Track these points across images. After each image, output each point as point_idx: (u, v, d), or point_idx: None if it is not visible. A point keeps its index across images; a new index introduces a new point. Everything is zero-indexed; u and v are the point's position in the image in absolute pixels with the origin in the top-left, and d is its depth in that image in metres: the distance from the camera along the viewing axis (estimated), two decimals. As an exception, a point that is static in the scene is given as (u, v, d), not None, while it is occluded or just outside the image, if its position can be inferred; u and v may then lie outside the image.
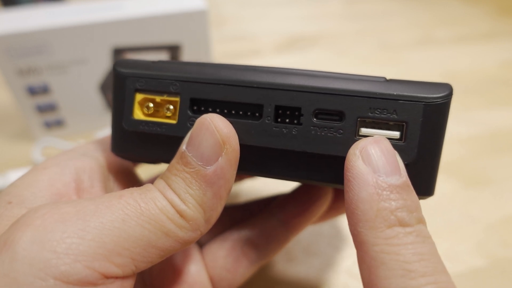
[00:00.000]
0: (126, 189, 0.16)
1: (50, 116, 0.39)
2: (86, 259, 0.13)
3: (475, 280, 0.27)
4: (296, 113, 0.17)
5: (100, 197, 0.15)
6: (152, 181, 0.25)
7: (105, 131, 0.40)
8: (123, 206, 0.14)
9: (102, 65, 0.37)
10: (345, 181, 0.15)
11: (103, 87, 0.39)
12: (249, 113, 0.17)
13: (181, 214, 0.15)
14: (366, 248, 0.14)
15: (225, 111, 0.17)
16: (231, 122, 0.16)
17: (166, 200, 0.15)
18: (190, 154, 0.15)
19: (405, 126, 0.16)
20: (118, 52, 0.37)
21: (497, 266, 0.28)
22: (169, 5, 0.37)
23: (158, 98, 0.18)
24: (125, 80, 0.18)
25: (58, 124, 0.40)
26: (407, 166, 0.16)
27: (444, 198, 0.33)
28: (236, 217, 0.24)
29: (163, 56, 0.39)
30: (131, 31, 0.36)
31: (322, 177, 0.17)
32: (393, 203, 0.14)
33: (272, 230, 0.22)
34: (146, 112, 0.18)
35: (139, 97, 0.18)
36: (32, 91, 0.37)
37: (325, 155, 0.16)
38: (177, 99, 0.17)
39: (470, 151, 0.38)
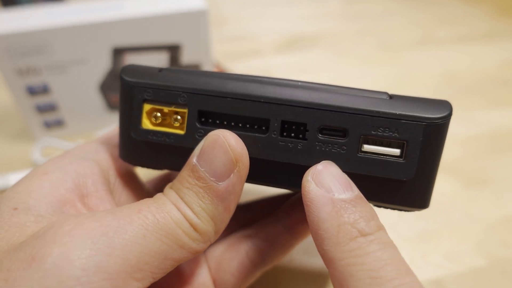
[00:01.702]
0: (142, 202, 0.16)
1: (50, 116, 0.39)
2: (112, 277, 0.14)
3: (475, 280, 0.27)
4: (302, 128, 0.17)
5: (120, 210, 0.15)
6: (154, 183, 0.26)
7: (105, 131, 0.40)
8: (142, 222, 0.15)
9: (102, 65, 0.37)
10: (305, 206, 0.16)
11: (103, 87, 0.39)
12: (256, 127, 0.18)
13: (194, 227, 0.16)
14: (334, 264, 0.14)
15: (232, 123, 0.18)
16: (238, 135, 0.17)
17: (180, 214, 0.16)
18: (202, 169, 0.16)
19: (405, 145, 0.16)
20: (118, 52, 0.37)
21: (497, 266, 0.28)
22: (169, 5, 0.37)
23: (166, 109, 0.18)
24: (132, 90, 0.18)
25: (58, 124, 0.40)
26: (404, 182, 0.16)
27: (445, 198, 0.33)
28: (239, 217, 0.24)
29: (163, 56, 0.39)
30: (131, 31, 0.36)
31: None
32: (351, 216, 0.15)
33: (277, 235, 0.22)
34: (154, 121, 0.18)
35: (147, 107, 0.18)
36: (32, 91, 0.37)
37: None
38: (185, 110, 0.18)
39: (470, 151, 0.38)
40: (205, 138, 0.17)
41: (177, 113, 0.18)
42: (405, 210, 0.18)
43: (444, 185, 0.34)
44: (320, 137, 0.17)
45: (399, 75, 0.52)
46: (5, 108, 0.45)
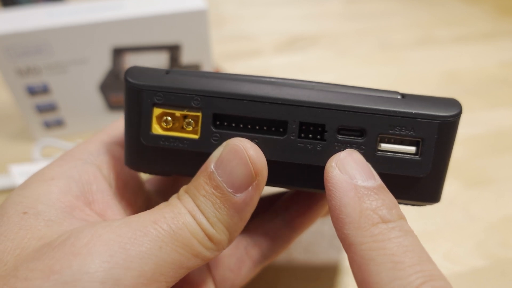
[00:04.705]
0: (157, 211, 0.16)
1: (50, 116, 0.39)
2: None
3: (475, 280, 0.27)
4: (320, 129, 0.17)
5: (135, 220, 0.15)
6: (155, 183, 0.25)
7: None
8: (158, 233, 0.15)
9: (102, 65, 0.37)
10: (327, 191, 0.16)
11: (103, 87, 0.39)
12: (273, 129, 0.17)
13: (209, 237, 0.16)
14: (354, 248, 0.15)
15: (249, 126, 0.17)
16: (255, 138, 0.17)
17: (196, 223, 0.16)
18: (220, 179, 0.16)
19: (421, 142, 0.17)
20: (118, 52, 0.37)
21: (497, 266, 0.28)
22: (169, 5, 0.37)
23: (177, 113, 0.17)
24: (141, 94, 0.17)
25: (58, 124, 0.40)
26: (419, 179, 0.17)
27: (445, 198, 0.33)
28: None
29: (163, 56, 0.39)
30: (131, 31, 0.36)
31: None
32: (373, 203, 0.15)
33: (276, 230, 0.22)
34: (164, 126, 0.17)
35: (157, 111, 0.17)
36: (32, 91, 0.37)
37: None
38: (199, 114, 0.17)
39: (470, 151, 0.38)
40: (223, 145, 0.16)
41: (189, 117, 0.17)
42: (417, 205, 0.19)
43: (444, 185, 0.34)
44: (339, 138, 0.17)
45: (399, 75, 0.52)
46: (5, 108, 0.45)
